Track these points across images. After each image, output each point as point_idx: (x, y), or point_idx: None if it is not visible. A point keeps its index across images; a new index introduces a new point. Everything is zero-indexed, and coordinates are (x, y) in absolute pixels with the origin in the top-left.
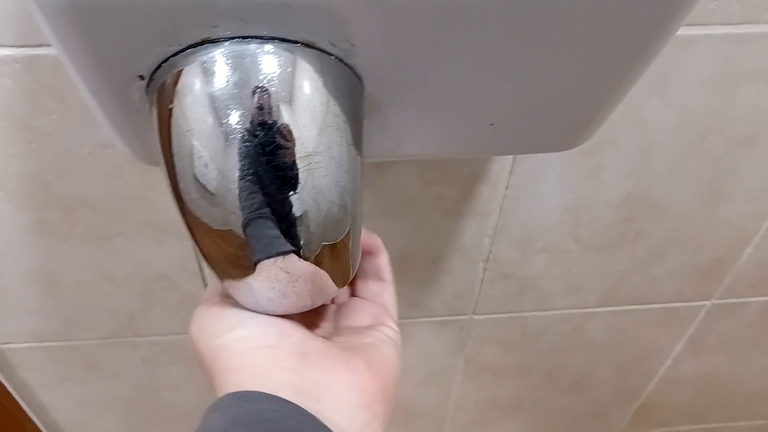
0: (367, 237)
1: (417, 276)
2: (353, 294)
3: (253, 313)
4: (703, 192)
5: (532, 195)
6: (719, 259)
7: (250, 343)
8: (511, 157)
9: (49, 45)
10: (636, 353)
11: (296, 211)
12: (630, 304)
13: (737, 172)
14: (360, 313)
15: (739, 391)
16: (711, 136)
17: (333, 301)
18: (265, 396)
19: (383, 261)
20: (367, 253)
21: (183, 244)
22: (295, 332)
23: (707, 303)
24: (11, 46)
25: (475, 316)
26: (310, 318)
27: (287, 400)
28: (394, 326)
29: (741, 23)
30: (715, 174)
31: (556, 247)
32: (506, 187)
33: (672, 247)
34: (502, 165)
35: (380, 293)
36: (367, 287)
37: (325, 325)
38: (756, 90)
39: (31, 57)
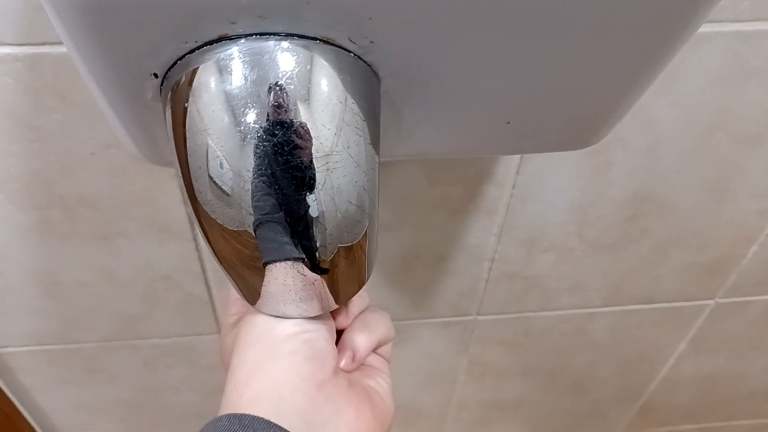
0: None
1: (421, 276)
2: None
3: (312, 321)
4: (708, 190)
5: (539, 194)
6: (724, 258)
7: (293, 347)
8: (518, 155)
9: (51, 43)
10: (638, 353)
11: (313, 211)
12: (633, 304)
13: (743, 170)
14: None
15: (742, 391)
16: (718, 134)
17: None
18: (264, 423)
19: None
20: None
21: (186, 245)
22: (330, 358)
23: (711, 302)
24: (13, 45)
25: (479, 317)
26: None
27: (286, 431)
28: (388, 371)
29: (750, 20)
30: (720, 172)
31: (562, 246)
32: (513, 186)
33: (676, 246)
34: (509, 164)
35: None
36: None
37: None
38: (764, 87)
39: (33, 55)
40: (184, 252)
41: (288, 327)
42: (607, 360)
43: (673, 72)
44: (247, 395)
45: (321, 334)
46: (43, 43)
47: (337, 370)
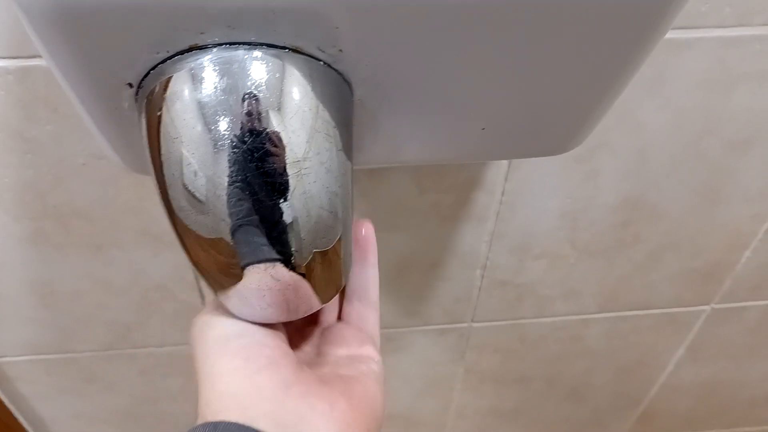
0: (360, 228)
1: (414, 284)
2: (339, 317)
3: (248, 329)
4: (700, 195)
5: (529, 200)
6: (718, 263)
7: (235, 365)
8: (506, 162)
9: (42, 56)
10: (636, 359)
11: (286, 218)
12: (629, 310)
13: (734, 175)
14: (345, 340)
15: (741, 397)
16: (707, 139)
17: (317, 322)
18: (239, 427)
19: (372, 274)
20: (358, 254)
21: (179, 254)
22: (284, 360)
23: (707, 308)
24: (4, 58)
25: (474, 324)
26: (295, 340)
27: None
28: (377, 357)
29: (733, 26)
30: (711, 176)
31: (554, 252)
32: (502, 193)
33: (670, 251)
34: (497, 171)
35: (366, 318)
36: (352, 310)
37: (308, 349)
38: (750, 92)
39: (24, 68)
40: (178, 261)
41: (225, 347)
42: (604, 367)
43: (658, 77)
44: (210, 413)
45: (266, 341)
46: (34, 56)
47: (301, 368)
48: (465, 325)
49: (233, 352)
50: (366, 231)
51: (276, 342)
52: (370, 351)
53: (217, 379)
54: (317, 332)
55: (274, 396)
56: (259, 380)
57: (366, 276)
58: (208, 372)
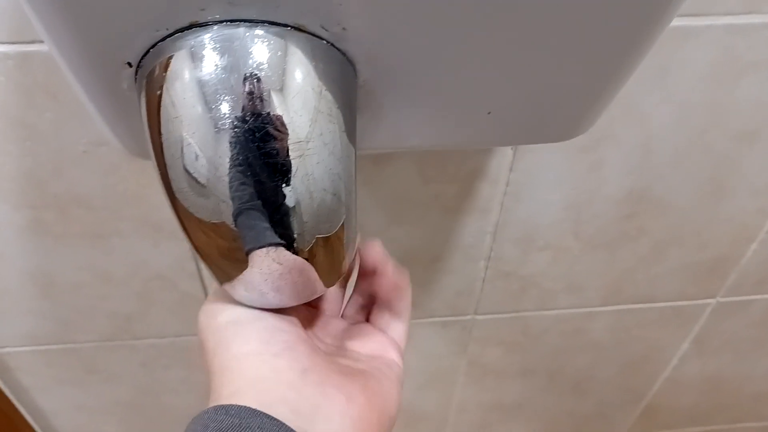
0: (397, 275)
1: (417, 275)
2: (367, 318)
3: (262, 313)
4: (705, 187)
5: (533, 191)
6: (723, 257)
7: (253, 347)
8: (511, 153)
9: (42, 41)
10: (640, 353)
11: (289, 200)
12: (633, 303)
13: (740, 167)
14: (368, 339)
15: (746, 392)
16: (712, 130)
17: (344, 316)
18: (251, 411)
19: (406, 302)
20: (396, 290)
21: (180, 244)
22: (301, 346)
23: (712, 301)
24: (3, 43)
25: (477, 317)
26: (317, 330)
27: (274, 418)
28: (399, 361)
29: (742, 13)
30: (717, 169)
31: (558, 244)
32: (506, 184)
33: (675, 244)
34: (502, 161)
35: (394, 327)
36: (382, 317)
37: (329, 341)
38: (758, 82)
39: (24, 54)
40: (179, 251)
41: (241, 331)
42: (608, 361)
43: (664, 67)
44: (225, 393)
45: (281, 325)
46: (33, 41)
47: (317, 354)
48: (468, 317)
49: (249, 336)
50: (377, 248)
51: (291, 327)
52: (394, 355)
53: (234, 362)
54: (341, 326)
55: (293, 381)
56: (278, 364)
57: (402, 301)
58: (223, 356)
